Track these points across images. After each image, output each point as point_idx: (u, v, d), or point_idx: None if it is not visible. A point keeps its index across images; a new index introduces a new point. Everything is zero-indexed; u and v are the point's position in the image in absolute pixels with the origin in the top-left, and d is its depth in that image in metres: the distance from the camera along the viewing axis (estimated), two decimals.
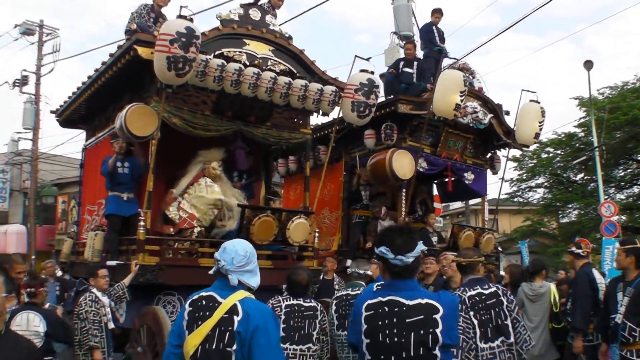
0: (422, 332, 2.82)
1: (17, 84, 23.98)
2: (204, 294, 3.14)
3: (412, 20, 14.83)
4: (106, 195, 7.64)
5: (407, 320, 2.85)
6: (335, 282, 8.78)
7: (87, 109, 9.24)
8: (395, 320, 2.87)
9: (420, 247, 2.96)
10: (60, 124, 10.11)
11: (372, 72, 7.96)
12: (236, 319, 2.99)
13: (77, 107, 9.17)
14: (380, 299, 2.93)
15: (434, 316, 2.85)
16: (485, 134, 10.66)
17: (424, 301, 2.88)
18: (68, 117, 9.74)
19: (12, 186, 26.91)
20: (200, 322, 3.03)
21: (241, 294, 3.09)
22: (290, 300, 5.09)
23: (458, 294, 4.51)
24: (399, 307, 2.88)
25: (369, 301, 2.96)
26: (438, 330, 2.83)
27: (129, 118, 6.65)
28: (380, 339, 2.87)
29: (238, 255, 3.17)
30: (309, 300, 5.20)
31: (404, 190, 9.58)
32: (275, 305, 5.03)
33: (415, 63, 10.63)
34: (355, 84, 7.78)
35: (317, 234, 8.14)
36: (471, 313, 4.37)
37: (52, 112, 10.03)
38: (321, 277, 8.69)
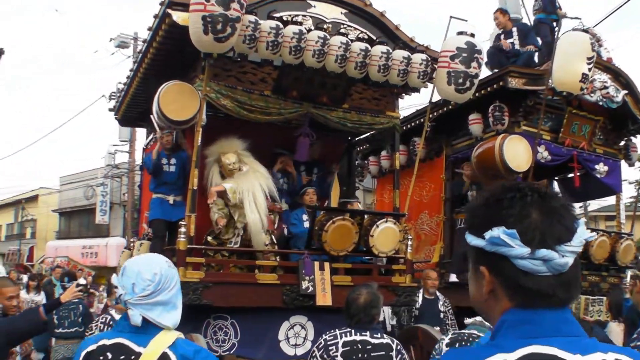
0: None
1: (112, 97, 23.92)
2: (106, 341, 2.07)
3: (519, 1, 12.97)
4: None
5: None
6: (440, 303, 7.04)
7: (145, 103, 8.10)
8: None
9: (584, 232, 1.23)
10: (120, 124, 9.08)
11: (473, 35, 6.28)
12: None
13: (132, 101, 8.04)
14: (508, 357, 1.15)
15: None
16: (617, 116, 8.68)
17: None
18: (126, 114, 8.62)
19: (112, 199, 27.00)
20: None
21: (168, 336, 2.08)
22: (351, 336, 3.43)
23: None
24: None
25: None
26: None
27: (163, 99, 5.36)
28: None
29: (142, 279, 2.07)
30: (378, 335, 3.52)
31: None
32: (330, 343, 3.40)
33: (514, 29, 8.79)
34: (451, 49, 6.12)
35: (410, 242, 6.50)
36: None
37: (110, 109, 9.01)
38: (420, 296, 7.01)
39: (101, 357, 2.03)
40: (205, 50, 5.11)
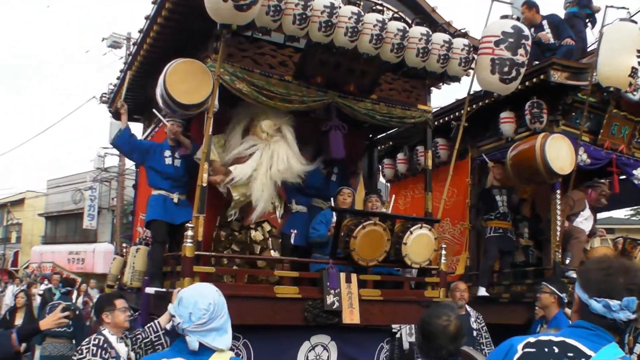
0: None
1: (104, 99, 23.09)
2: None
3: None
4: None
5: None
6: (472, 319, 6.26)
7: (144, 92, 7.31)
8: None
9: None
10: (114, 117, 8.28)
11: (519, 19, 5.58)
12: None
13: (129, 90, 7.23)
14: None
15: None
16: None
17: None
18: None
19: (100, 204, 26.10)
20: None
21: (223, 356, 2.25)
22: None
23: None
24: None
25: None
26: None
27: (170, 78, 4.57)
28: None
29: (198, 309, 2.24)
30: None
31: (557, 191, 6.99)
32: None
33: (545, 22, 8.11)
34: (496, 34, 5.42)
35: (444, 252, 5.74)
36: None
37: (103, 102, 8.24)
38: None
39: None
40: (223, 21, 4.32)
